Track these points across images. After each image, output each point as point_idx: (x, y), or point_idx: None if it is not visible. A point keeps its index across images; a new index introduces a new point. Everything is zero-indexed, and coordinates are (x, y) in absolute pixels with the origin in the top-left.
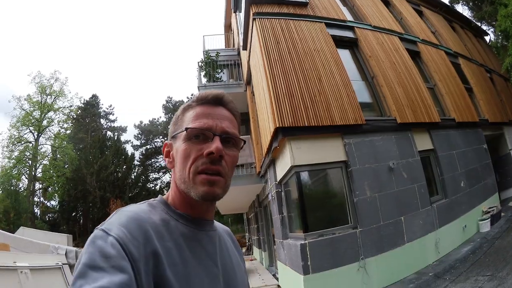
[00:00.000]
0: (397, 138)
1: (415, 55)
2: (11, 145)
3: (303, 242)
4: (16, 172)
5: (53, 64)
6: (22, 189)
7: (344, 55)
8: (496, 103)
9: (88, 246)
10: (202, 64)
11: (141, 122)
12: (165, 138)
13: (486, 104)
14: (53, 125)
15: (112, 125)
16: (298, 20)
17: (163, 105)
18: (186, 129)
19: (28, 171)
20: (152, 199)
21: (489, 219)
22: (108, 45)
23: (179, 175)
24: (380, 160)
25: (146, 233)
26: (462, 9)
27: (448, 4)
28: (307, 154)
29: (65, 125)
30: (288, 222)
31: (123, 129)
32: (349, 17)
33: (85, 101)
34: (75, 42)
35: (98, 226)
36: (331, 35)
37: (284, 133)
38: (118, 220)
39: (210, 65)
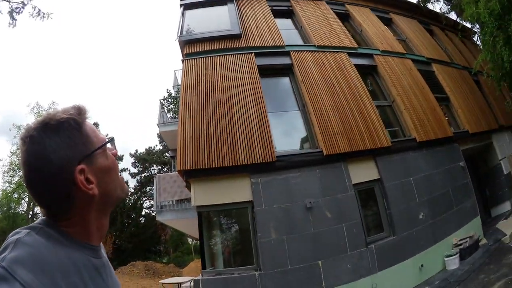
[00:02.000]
0: (322, 172)
1: (371, 70)
2: (12, 171)
3: (196, 279)
4: (16, 196)
5: (54, 94)
6: (22, 213)
7: (276, 83)
8: (482, 109)
9: None
10: (164, 101)
11: (136, 151)
12: (162, 166)
13: (467, 112)
14: None
15: None
16: (226, 55)
17: (157, 133)
18: (111, 139)
19: (27, 196)
20: (41, 223)
21: (457, 254)
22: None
23: (114, 186)
24: (295, 199)
25: (53, 276)
26: (435, 7)
27: (420, 4)
28: (210, 195)
29: None
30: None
31: (119, 158)
32: (293, 40)
33: None
34: (74, 72)
35: None
36: (258, 65)
37: (187, 175)
38: (21, 259)
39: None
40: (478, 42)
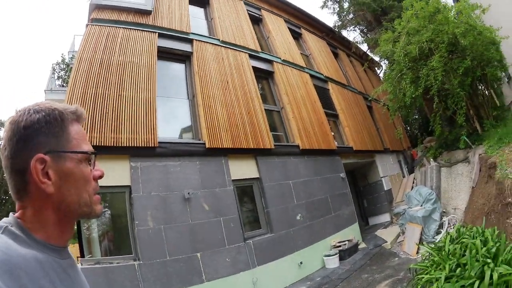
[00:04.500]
0: (202, 164)
1: (268, 75)
2: None
3: None
4: None
5: None
6: None
7: (171, 68)
8: (370, 131)
9: None
10: (56, 67)
11: None
12: None
13: (353, 131)
14: None
15: None
16: (130, 29)
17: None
18: (93, 153)
19: None
20: (6, 221)
21: (337, 255)
22: None
23: (77, 199)
24: (173, 188)
25: (20, 280)
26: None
27: (335, 29)
28: None
29: None
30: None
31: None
32: (200, 30)
33: None
34: None
35: None
36: (159, 46)
37: None
38: None
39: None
40: (380, 75)
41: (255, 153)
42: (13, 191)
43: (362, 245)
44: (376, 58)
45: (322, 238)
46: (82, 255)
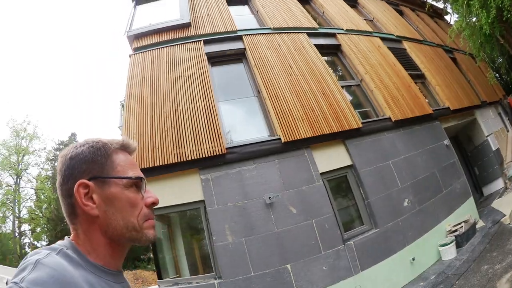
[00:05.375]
0: (282, 162)
1: (335, 49)
2: None
3: None
4: (1, 215)
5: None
6: (9, 231)
7: (229, 71)
8: (462, 85)
9: None
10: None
11: None
12: None
13: (445, 89)
14: (29, 169)
15: None
16: (174, 45)
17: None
18: (138, 178)
19: (11, 214)
20: (60, 243)
21: (453, 242)
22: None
23: (123, 223)
24: (252, 195)
25: None
26: None
27: None
28: (159, 196)
29: (46, 166)
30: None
31: None
32: (248, 25)
33: (59, 142)
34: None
35: (16, 279)
36: (208, 52)
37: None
38: (41, 280)
39: None
40: (451, 22)
41: (342, 137)
42: (66, 214)
43: (480, 224)
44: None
45: (435, 224)
46: (160, 277)
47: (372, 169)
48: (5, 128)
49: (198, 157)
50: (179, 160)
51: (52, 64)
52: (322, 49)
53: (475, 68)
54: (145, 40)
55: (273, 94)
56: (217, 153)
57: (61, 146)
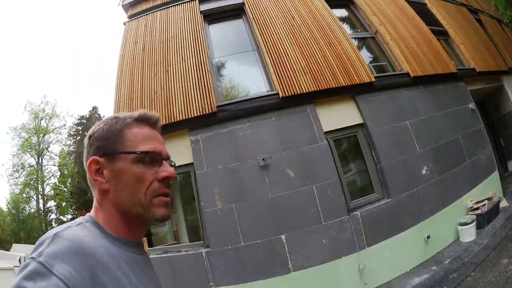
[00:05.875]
0: (280, 119)
1: (347, 2)
2: (16, 172)
3: None
4: (25, 195)
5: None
6: (33, 210)
7: (230, 28)
8: (488, 47)
9: (25, 281)
10: None
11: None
12: None
13: (471, 49)
14: (50, 147)
15: None
16: (167, 7)
17: None
18: (144, 152)
19: (35, 193)
20: (81, 218)
21: (474, 223)
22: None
23: (129, 199)
24: (245, 157)
25: (92, 269)
26: None
27: None
28: None
29: (68, 142)
30: None
31: None
32: None
33: (79, 116)
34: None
35: (33, 254)
36: (204, 10)
37: None
38: (59, 252)
39: None
40: None
41: (352, 92)
42: (91, 188)
43: (503, 203)
44: None
45: (456, 198)
46: (149, 245)
47: (387, 130)
48: (23, 112)
49: (187, 117)
50: (168, 122)
51: (70, 37)
52: (331, 1)
53: (502, 33)
54: (139, 7)
55: (272, 46)
56: (207, 111)
57: (83, 121)
